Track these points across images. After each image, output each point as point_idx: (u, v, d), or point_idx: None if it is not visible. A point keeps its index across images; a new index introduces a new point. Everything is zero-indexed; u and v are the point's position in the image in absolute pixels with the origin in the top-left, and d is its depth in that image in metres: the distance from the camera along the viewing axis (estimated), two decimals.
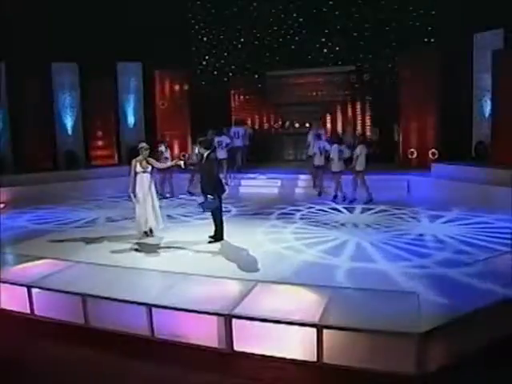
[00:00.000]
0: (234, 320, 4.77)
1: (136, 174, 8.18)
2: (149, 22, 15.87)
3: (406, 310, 4.75)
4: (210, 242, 7.96)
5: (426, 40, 15.14)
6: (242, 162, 14.95)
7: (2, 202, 12.53)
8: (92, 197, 13.22)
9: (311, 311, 4.77)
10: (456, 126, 13.39)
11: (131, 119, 16.79)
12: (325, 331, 4.41)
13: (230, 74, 18.45)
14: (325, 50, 17.27)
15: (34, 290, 5.91)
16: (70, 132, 15.94)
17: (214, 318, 4.84)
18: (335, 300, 5.03)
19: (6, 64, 14.68)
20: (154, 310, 5.14)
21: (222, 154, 13.38)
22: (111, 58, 15.74)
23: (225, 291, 5.62)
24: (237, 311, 4.86)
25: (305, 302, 5.19)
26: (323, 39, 17.15)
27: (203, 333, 4.95)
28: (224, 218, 8.26)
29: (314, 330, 4.43)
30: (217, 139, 13.56)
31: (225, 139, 13.85)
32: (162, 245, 7.91)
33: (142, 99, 16.90)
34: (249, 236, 8.36)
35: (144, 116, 16.90)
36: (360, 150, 11.21)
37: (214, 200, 7.72)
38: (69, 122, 15.94)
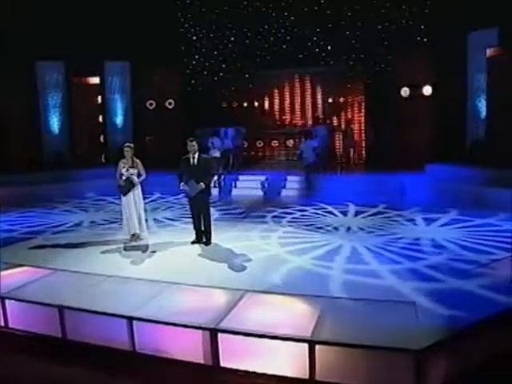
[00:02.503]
0: (220, 334, 4.45)
1: (122, 175, 7.86)
2: (137, 20, 15.51)
3: (403, 323, 4.45)
4: (192, 243, 7.78)
5: (419, 39, 14.89)
6: (234, 163, 14.60)
7: None
8: (78, 199, 12.86)
9: (303, 324, 4.46)
10: (450, 126, 13.17)
11: (119, 119, 16.42)
12: (317, 347, 4.10)
13: (221, 74, 18.12)
14: (316, 50, 17.00)
15: (8, 301, 5.55)
16: (55, 132, 15.54)
17: (199, 331, 4.51)
18: (328, 312, 4.72)
19: None
20: (134, 322, 4.81)
21: (214, 153, 13.20)
22: (98, 57, 15.36)
23: (211, 302, 5.29)
24: (223, 324, 4.53)
25: (296, 314, 4.87)
26: (315, 38, 16.88)
27: (187, 347, 4.62)
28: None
29: (305, 346, 4.12)
30: (210, 140, 13.52)
31: (217, 141, 13.72)
32: (147, 250, 7.56)
33: (129, 99, 16.55)
34: (240, 240, 8.01)
35: (132, 116, 16.57)
36: (302, 148, 12.33)
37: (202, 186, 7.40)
38: (55, 122, 15.54)
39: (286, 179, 13.44)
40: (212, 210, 10.52)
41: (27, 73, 14.95)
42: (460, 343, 4.24)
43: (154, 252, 7.45)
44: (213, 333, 4.45)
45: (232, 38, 17.78)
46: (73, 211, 11.29)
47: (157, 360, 4.73)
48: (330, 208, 10.68)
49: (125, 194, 7.73)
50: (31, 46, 14.07)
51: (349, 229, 8.71)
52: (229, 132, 14.65)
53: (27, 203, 11.72)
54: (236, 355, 4.45)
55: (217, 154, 13.34)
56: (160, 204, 12.00)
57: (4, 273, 6.44)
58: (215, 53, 17.97)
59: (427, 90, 14.06)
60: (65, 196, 12.91)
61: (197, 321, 4.63)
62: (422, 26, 14.78)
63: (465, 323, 4.43)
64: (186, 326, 4.58)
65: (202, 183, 7.42)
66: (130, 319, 4.82)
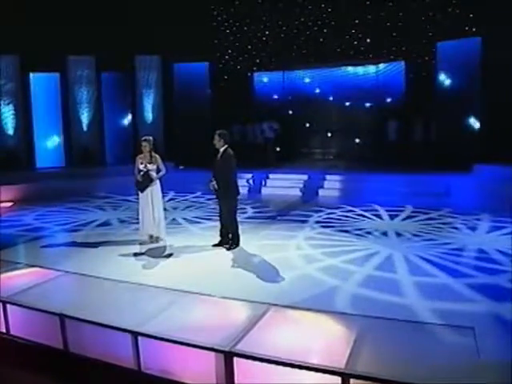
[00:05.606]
0: (236, 358, 3.77)
1: (140, 172, 7.31)
2: (169, 13, 15.05)
3: (462, 355, 3.64)
4: (214, 246, 7.23)
5: (466, 29, 13.75)
6: (270, 158, 14.64)
7: (11, 200, 11.93)
8: (105, 196, 12.53)
9: (336, 351, 3.72)
10: (500, 122, 12.06)
11: (149, 114, 16.03)
12: (352, 381, 3.36)
13: (254, 69, 17.45)
14: (355, 43, 16.06)
15: (10, 306, 5.05)
16: (85, 128, 15.27)
17: (212, 353, 3.85)
18: (367, 335, 3.96)
19: (19, 57, 14.18)
20: (140, 338, 4.20)
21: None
22: (129, 51, 15.01)
23: (229, 316, 4.63)
24: (241, 346, 3.84)
25: (328, 336, 4.13)
26: (353, 31, 15.95)
27: (199, 370, 3.96)
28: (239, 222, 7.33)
29: (338, 379, 3.39)
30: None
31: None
32: (165, 254, 6.95)
33: (160, 94, 16.15)
34: (273, 248, 7.17)
35: (163, 111, 16.18)
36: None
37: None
38: (84, 117, 15.27)
39: (324, 179, 12.72)
40: (249, 209, 10.08)
41: (58, 68, 14.74)
42: None
43: (170, 255, 6.84)
44: (228, 356, 3.78)
45: (267, 32, 17.07)
46: (97, 209, 10.88)
47: (164, 382, 4.11)
48: (374, 210, 9.91)
49: (142, 191, 7.17)
50: (62, 40, 13.80)
51: (398, 235, 7.83)
52: (263, 127, 14.36)
53: (54, 199, 11.46)
54: (254, 381, 3.77)
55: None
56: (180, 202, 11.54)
57: (12, 273, 6.00)
58: (249, 47, 17.30)
59: (475, 84, 12.98)
60: (92, 193, 12.62)
61: (211, 340, 3.96)
62: (471, 15, 13.64)
63: None
64: (197, 347, 3.92)
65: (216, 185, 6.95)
66: (135, 335, 4.21)
